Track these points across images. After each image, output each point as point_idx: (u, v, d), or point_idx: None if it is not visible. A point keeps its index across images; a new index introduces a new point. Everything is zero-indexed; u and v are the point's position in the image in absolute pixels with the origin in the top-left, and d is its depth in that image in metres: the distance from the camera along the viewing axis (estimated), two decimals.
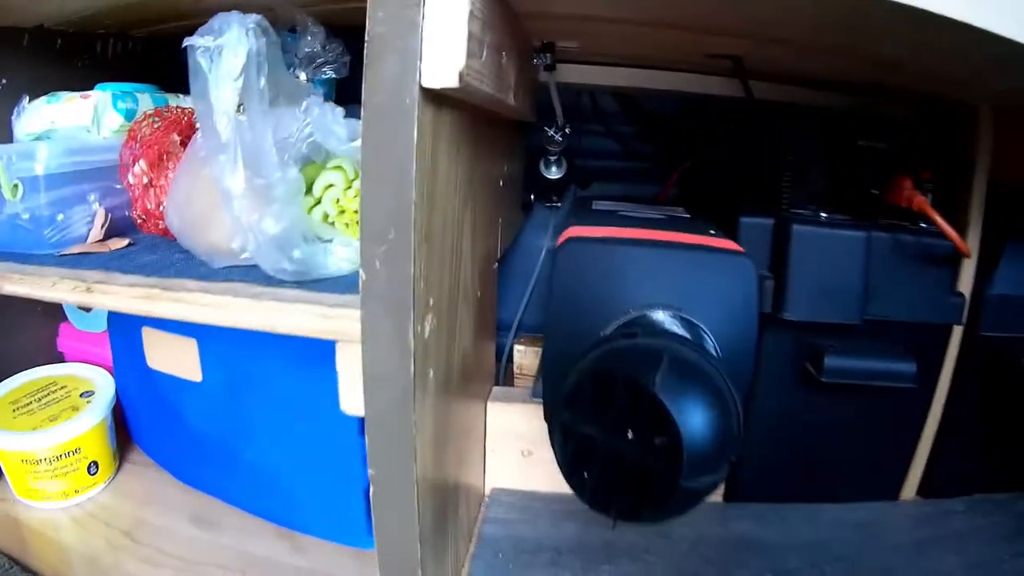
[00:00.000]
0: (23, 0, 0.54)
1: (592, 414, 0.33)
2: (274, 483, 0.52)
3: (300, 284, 0.41)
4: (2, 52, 0.58)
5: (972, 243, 0.53)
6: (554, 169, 0.67)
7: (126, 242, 0.51)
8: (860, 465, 0.57)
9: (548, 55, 0.54)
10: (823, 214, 0.52)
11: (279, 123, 0.41)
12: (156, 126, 0.51)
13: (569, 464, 0.34)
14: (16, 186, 0.49)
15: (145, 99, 0.58)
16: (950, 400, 0.56)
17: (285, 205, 0.39)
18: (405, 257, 0.32)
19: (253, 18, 0.39)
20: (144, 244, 0.52)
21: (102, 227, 0.51)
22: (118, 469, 0.62)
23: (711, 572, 0.49)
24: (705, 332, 0.41)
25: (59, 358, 0.70)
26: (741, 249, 0.44)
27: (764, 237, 0.51)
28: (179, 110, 0.54)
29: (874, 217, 0.53)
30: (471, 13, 0.30)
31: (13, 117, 0.56)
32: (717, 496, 0.57)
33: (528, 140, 0.68)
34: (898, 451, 0.57)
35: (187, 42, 0.37)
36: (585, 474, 0.33)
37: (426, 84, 0.30)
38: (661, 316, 0.41)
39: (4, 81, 0.59)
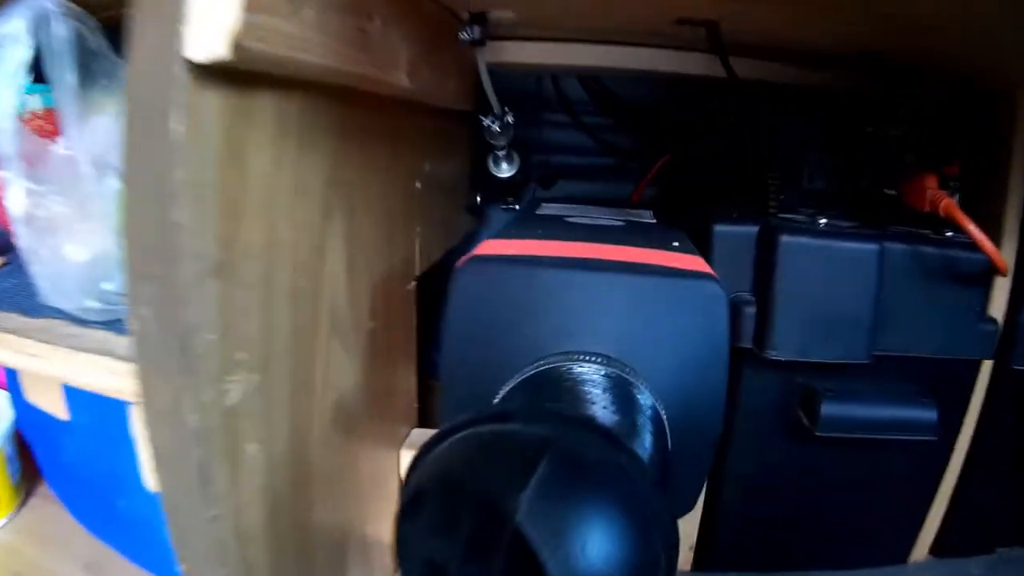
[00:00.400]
0: None
1: (440, 533, 0.22)
2: (150, 534, 0.45)
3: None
4: None
5: (1007, 257, 0.41)
6: (504, 166, 0.56)
7: (1, 261, 0.44)
8: (863, 527, 0.46)
9: (476, 28, 0.44)
10: (822, 220, 0.41)
11: (100, 126, 0.33)
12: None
13: None
14: None
15: (35, 100, 0.51)
16: (974, 447, 0.45)
17: (95, 227, 0.32)
18: (176, 301, 0.23)
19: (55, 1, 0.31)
20: (17, 263, 0.45)
21: None
22: (23, 504, 0.56)
23: None
24: (642, 390, 0.31)
25: None
26: (708, 269, 0.34)
27: (745, 250, 0.40)
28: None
29: (886, 223, 0.42)
30: None
31: None
32: (687, 565, 0.47)
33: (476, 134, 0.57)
34: (911, 509, 0.46)
35: None
36: None
37: (190, 55, 0.21)
38: (583, 369, 0.31)
39: None
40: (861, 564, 0.46)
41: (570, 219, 0.46)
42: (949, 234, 0.40)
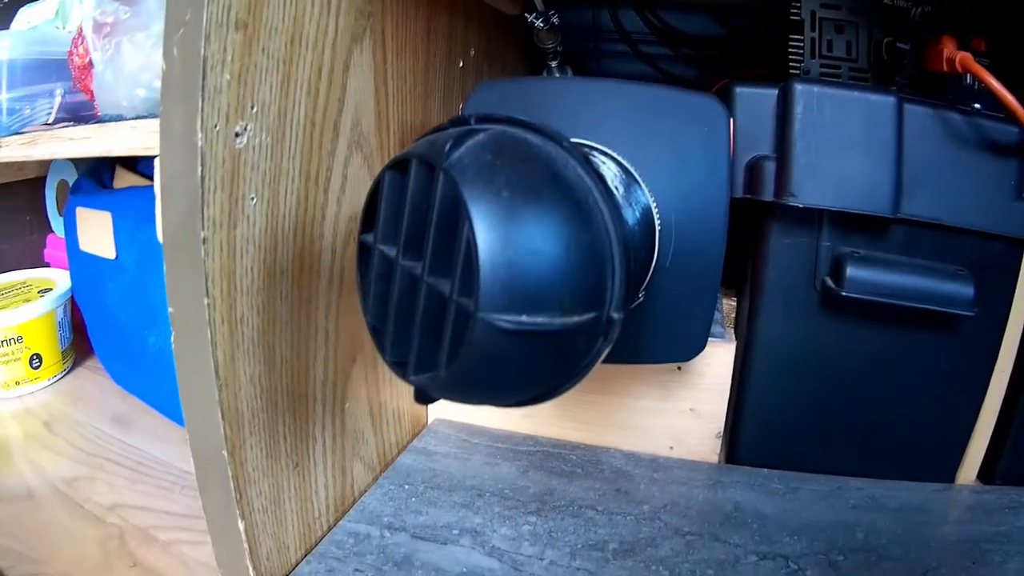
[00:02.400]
0: None
1: (389, 223, 0.23)
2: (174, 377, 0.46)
3: None
4: None
5: None
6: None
7: (68, 123, 0.49)
8: (902, 431, 0.42)
9: None
10: (844, 82, 0.40)
11: None
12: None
13: (367, 299, 0.24)
14: None
15: None
16: (1022, 351, 0.40)
17: (152, 36, 0.35)
18: (200, 37, 0.26)
19: None
20: (85, 123, 0.50)
21: (54, 112, 0.51)
22: (68, 371, 0.61)
23: (669, 546, 0.36)
24: (639, 183, 0.31)
25: (46, 267, 0.71)
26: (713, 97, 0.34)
27: (766, 111, 0.39)
28: None
29: (911, 92, 0.40)
30: None
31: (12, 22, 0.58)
32: (713, 456, 0.44)
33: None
34: (954, 415, 0.41)
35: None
36: (387, 317, 0.23)
37: None
38: (583, 151, 0.31)
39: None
40: (902, 475, 0.42)
41: None
42: (978, 107, 0.38)
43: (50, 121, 0.51)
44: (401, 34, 0.40)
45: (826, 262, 0.39)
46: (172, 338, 0.30)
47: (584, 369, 0.23)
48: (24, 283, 0.62)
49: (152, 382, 0.51)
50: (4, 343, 0.55)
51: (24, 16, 0.56)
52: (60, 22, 0.55)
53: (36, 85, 0.53)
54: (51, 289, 0.60)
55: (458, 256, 0.20)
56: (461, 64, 0.48)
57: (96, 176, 0.54)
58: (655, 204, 0.31)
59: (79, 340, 0.63)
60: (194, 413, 0.31)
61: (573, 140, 0.31)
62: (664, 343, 0.35)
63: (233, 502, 0.32)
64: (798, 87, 0.37)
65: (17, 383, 0.56)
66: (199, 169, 0.27)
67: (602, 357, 0.23)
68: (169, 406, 0.51)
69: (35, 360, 0.56)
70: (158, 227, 0.30)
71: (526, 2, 0.51)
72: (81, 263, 0.55)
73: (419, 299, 0.22)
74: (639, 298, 0.31)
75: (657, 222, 0.31)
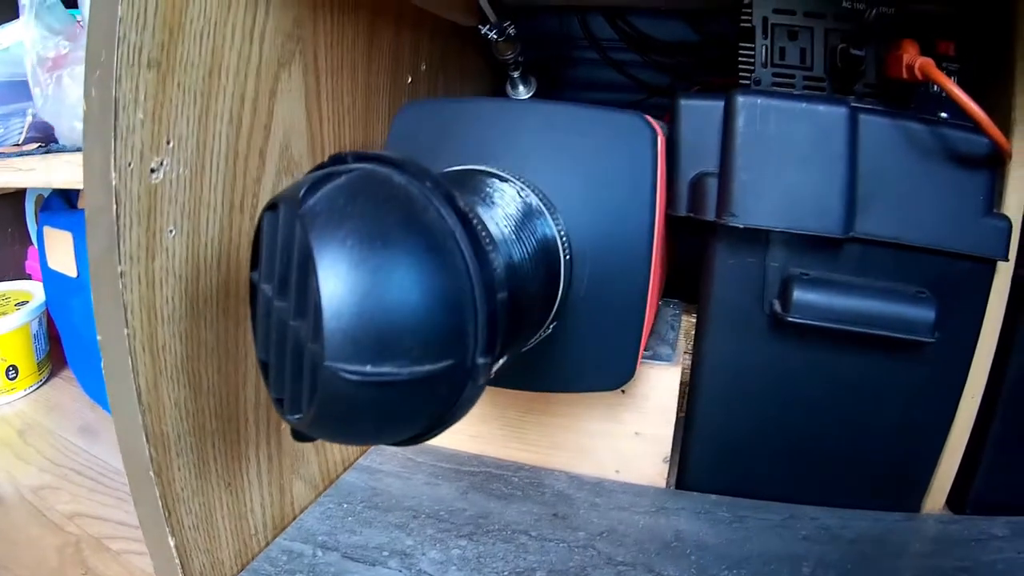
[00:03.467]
0: None
1: (267, 268, 0.24)
2: None
3: None
4: None
5: (1019, 145, 0.38)
6: (521, 89, 0.59)
7: (36, 145, 0.53)
8: (864, 457, 0.42)
9: None
10: (793, 93, 0.41)
11: None
12: None
13: (255, 334, 0.26)
14: None
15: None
16: (995, 374, 0.40)
17: None
18: (113, 79, 0.29)
19: None
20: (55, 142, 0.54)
21: (24, 134, 0.55)
22: (45, 381, 0.66)
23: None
24: (545, 212, 0.33)
25: (27, 279, 0.75)
26: (643, 116, 0.36)
27: (711, 125, 0.39)
28: None
29: (869, 102, 0.40)
30: None
31: None
32: (661, 480, 0.45)
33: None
34: (919, 441, 0.42)
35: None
36: (268, 353, 0.25)
37: None
38: (484, 174, 0.33)
39: None
40: (863, 504, 0.42)
41: None
42: (944, 116, 0.38)
43: (20, 141, 0.55)
44: (336, 55, 0.42)
45: (775, 283, 0.40)
46: (102, 364, 0.33)
47: (456, 412, 0.24)
48: (3, 295, 0.67)
49: None
50: None
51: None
52: None
53: (9, 105, 0.58)
54: (27, 302, 0.64)
55: (311, 303, 0.22)
56: (410, 80, 0.50)
57: (64, 194, 0.58)
58: (563, 233, 0.32)
59: (56, 350, 0.67)
60: (124, 435, 0.34)
61: (460, 169, 0.33)
62: (590, 371, 0.36)
63: (163, 520, 0.35)
64: (740, 99, 0.37)
65: None
66: (114, 207, 0.30)
67: (477, 399, 0.25)
68: None
69: (11, 371, 0.61)
70: None
71: (482, 13, 0.53)
72: (51, 280, 0.58)
73: (288, 342, 0.24)
74: (544, 332, 0.33)
75: (564, 251, 0.32)
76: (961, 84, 0.37)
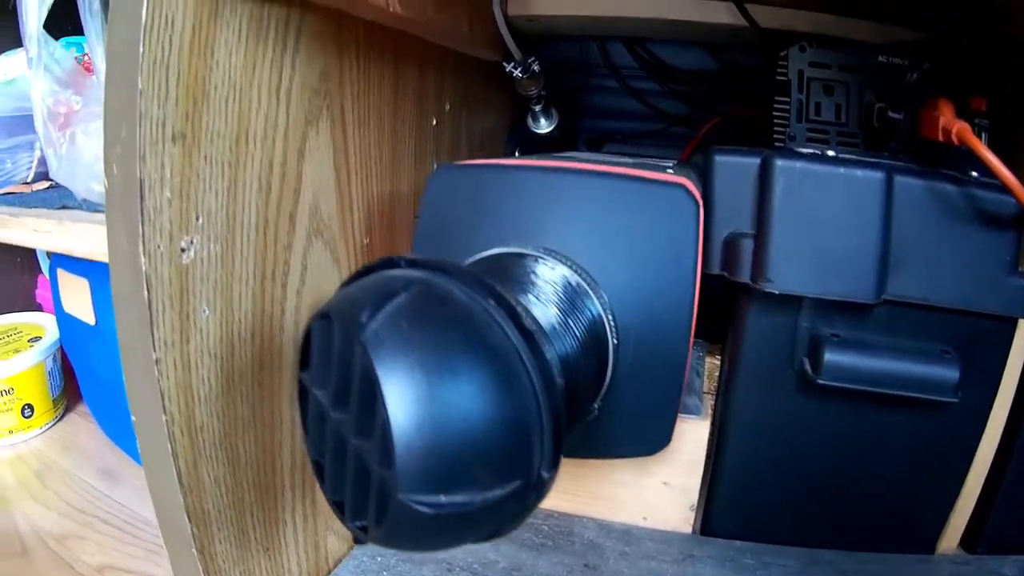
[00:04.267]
0: None
1: (321, 375, 0.23)
2: None
3: None
4: None
5: None
6: (542, 121, 0.58)
7: (47, 184, 0.51)
8: (881, 504, 0.42)
9: None
10: (830, 152, 0.39)
11: None
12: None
13: (308, 434, 0.25)
14: None
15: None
16: (1012, 423, 0.40)
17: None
18: (137, 158, 0.27)
19: None
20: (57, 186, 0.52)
21: (33, 170, 0.53)
22: (60, 418, 0.64)
23: None
24: (590, 291, 0.31)
25: (37, 308, 0.74)
26: (685, 183, 0.34)
27: (746, 183, 0.38)
28: None
29: (903, 159, 0.39)
30: None
31: None
32: (687, 526, 0.45)
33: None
34: (935, 489, 0.42)
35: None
36: (324, 457, 0.24)
37: None
38: (529, 261, 0.31)
39: None
40: (880, 548, 0.42)
41: (580, 157, 0.46)
42: (974, 175, 0.37)
43: (29, 179, 0.53)
44: (363, 104, 0.40)
45: (804, 342, 0.39)
46: (138, 444, 0.32)
47: (519, 521, 0.24)
48: (15, 329, 0.65)
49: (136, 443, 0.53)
50: None
51: (2, 66, 0.57)
52: None
53: (16, 137, 0.55)
54: (41, 337, 0.62)
55: (377, 430, 0.21)
56: (435, 122, 0.48)
57: None
58: (610, 315, 0.31)
59: (70, 385, 0.65)
60: (165, 514, 0.32)
61: (502, 254, 0.31)
62: (626, 440, 0.35)
63: None
64: (779, 163, 0.36)
65: (10, 432, 0.59)
66: (145, 293, 0.28)
67: (538, 505, 0.24)
68: None
69: (27, 410, 0.59)
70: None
71: (505, 48, 0.51)
72: (66, 321, 0.57)
73: (348, 454, 0.23)
74: (592, 412, 0.32)
75: (612, 335, 0.31)
76: (992, 139, 0.36)
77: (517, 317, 0.22)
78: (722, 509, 0.44)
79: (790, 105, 0.40)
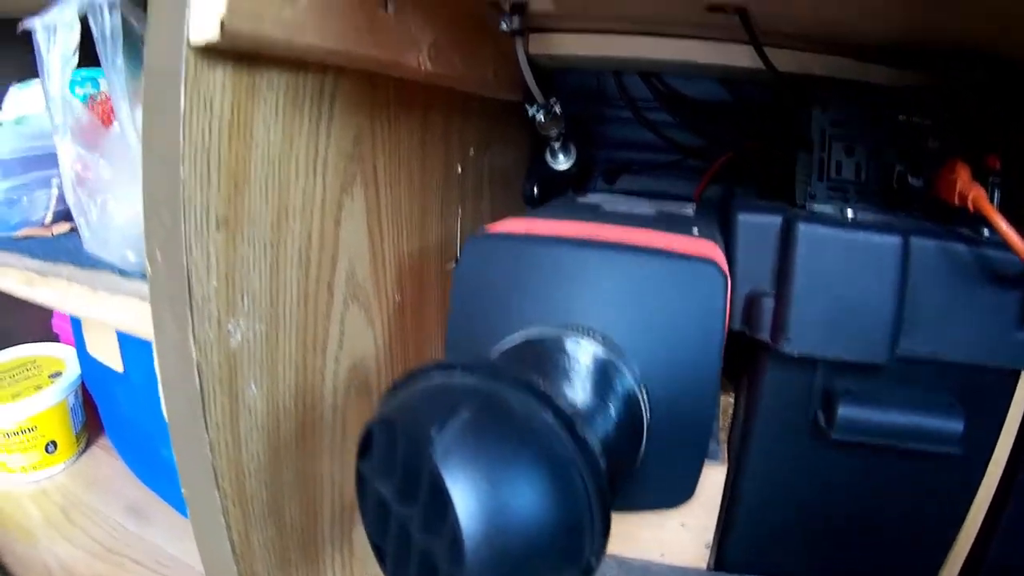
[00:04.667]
0: None
1: (383, 470, 0.25)
2: None
3: None
4: None
5: None
6: (561, 157, 0.58)
7: (68, 227, 0.51)
8: (886, 542, 0.44)
9: (515, 18, 0.47)
10: (849, 211, 0.41)
11: None
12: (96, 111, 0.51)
13: (368, 523, 0.27)
14: None
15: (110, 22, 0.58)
16: (1011, 465, 0.42)
17: (137, 188, 0.36)
18: (181, 247, 0.27)
19: None
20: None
21: (51, 210, 0.53)
22: (83, 451, 0.65)
23: None
24: (621, 369, 0.33)
25: (54, 338, 0.73)
26: (713, 254, 0.35)
27: (768, 241, 0.40)
28: None
29: (918, 217, 0.41)
30: None
31: (2, 103, 0.59)
32: (702, 562, 0.47)
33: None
34: (938, 527, 0.44)
35: (25, 24, 0.36)
36: (386, 542, 0.26)
37: (194, 40, 0.25)
38: (564, 341, 0.33)
39: None
40: None
41: (606, 208, 0.47)
42: (987, 233, 0.39)
43: (48, 220, 0.53)
44: (394, 162, 0.41)
45: (819, 396, 0.41)
46: (189, 514, 0.33)
47: None
48: (33, 362, 0.65)
49: (166, 484, 0.54)
50: (20, 432, 0.58)
51: (14, 98, 0.57)
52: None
53: (31, 173, 0.55)
54: (61, 372, 0.63)
55: (447, 534, 0.22)
56: (460, 169, 0.49)
57: None
58: (644, 389, 0.33)
59: (91, 416, 0.66)
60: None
61: (541, 339, 0.33)
62: (652, 495, 0.37)
63: None
64: (802, 228, 0.38)
65: (34, 467, 0.60)
66: (197, 380, 0.29)
67: None
68: (184, 506, 0.54)
69: (50, 446, 0.60)
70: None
71: (527, 87, 0.51)
72: (90, 363, 0.57)
73: (413, 546, 0.24)
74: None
75: (646, 412, 0.32)
76: (1004, 195, 0.38)
77: (572, 427, 0.24)
78: (736, 546, 0.46)
79: (812, 162, 0.41)
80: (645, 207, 0.47)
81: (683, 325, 0.34)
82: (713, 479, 0.45)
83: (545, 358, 0.31)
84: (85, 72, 0.58)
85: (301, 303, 0.34)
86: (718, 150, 0.60)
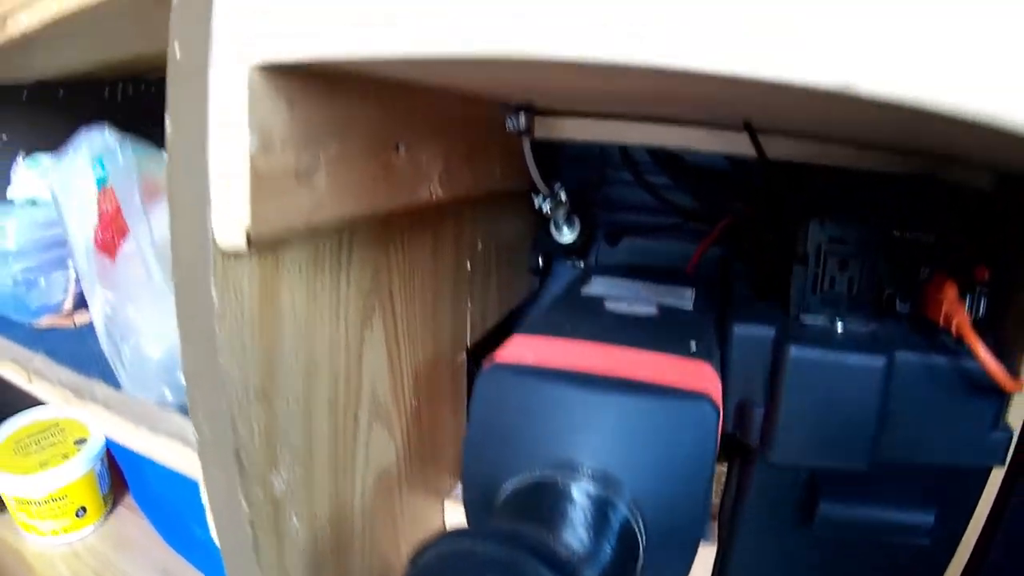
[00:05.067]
0: (17, 59, 0.57)
1: None
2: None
3: None
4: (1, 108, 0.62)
5: None
6: (566, 231, 0.60)
7: (90, 317, 0.53)
8: None
9: (522, 119, 0.49)
10: (839, 324, 0.44)
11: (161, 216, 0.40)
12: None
13: None
14: None
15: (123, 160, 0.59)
16: (978, 550, 0.47)
17: (165, 326, 0.39)
18: (226, 420, 0.30)
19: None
20: None
21: (73, 296, 0.55)
22: (111, 511, 0.68)
23: None
24: (618, 506, 0.36)
25: None
26: (708, 384, 0.38)
27: (761, 352, 0.43)
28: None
29: (906, 327, 0.44)
30: (266, 146, 0.27)
31: (12, 174, 0.60)
32: None
33: None
34: None
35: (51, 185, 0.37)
36: None
37: (220, 246, 0.28)
38: (568, 486, 0.36)
39: (4, 137, 0.63)
40: None
41: (608, 303, 0.50)
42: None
43: (68, 307, 0.55)
44: (408, 282, 0.43)
45: (802, 493, 0.44)
46: None
47: None
48: (56, 426, 0.67)
49: (200, 557, 0.57)
50: (50, 500, 0.61)
51: (23, 176, 0.58)
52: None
53: (47, 254, 0.57)
54: (86, 440, 0.65)
55: None
56: (469, 266, 0.51)
57: None
58: (639, 518, 0.36)
59: (115, 472, 0.68)
60: None
61: (550, 483, 0.36)
62: None
63: None
64: (793, 352, 0.41)
65: (65, 531, 0.63)
66: (249, 529, 0.32)
67: None
68: (216, 572, 0.56)
69: (81, 512, 0.63)
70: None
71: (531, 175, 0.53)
72: (121, 449, 0.60)
73: None
74: None
75: (642, 540, 0.36)
76: (990, 305, 0.41)
77: None
78: None
79: (807, 275, 0.44)
80: (646, 303, 0.50)
81: (676, 455, 0.37)
82: (703, 558, 0.49)
83: (553, 506, 0.35)
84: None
85: (331, 439, 0.37)
86: (717, 213, 0.63)
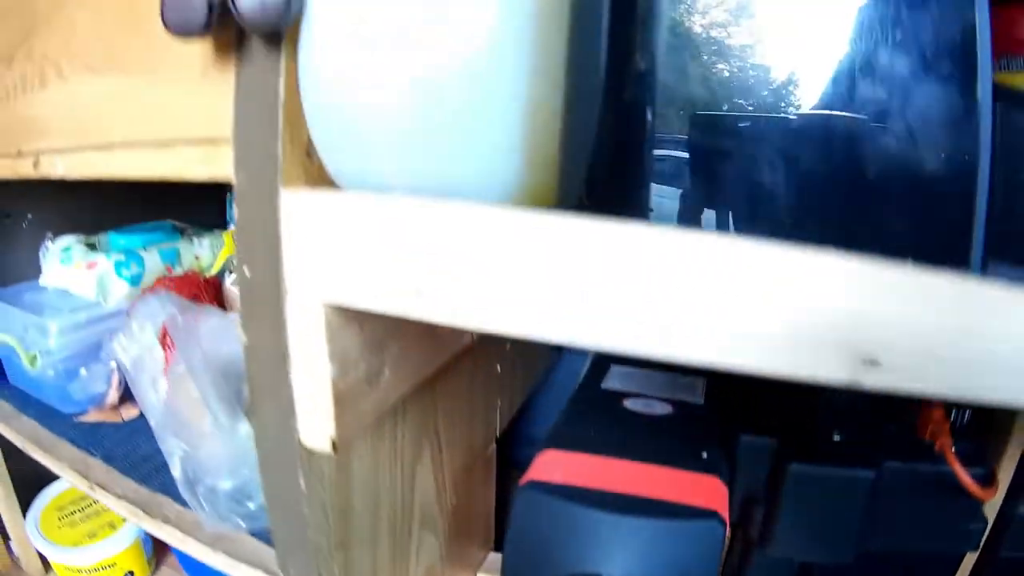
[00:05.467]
0: None
1: None
2: None
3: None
4: (25, 189, 0.63)
5: (1009, 466, 0.49)
6: None
7: (137, 411, 0.56)
8: None
9: None
10: (836, 436, 0.49)
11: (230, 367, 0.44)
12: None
13: None
14: (34, 358, 0.55)
15: (152, 257, 0.62)
16: None
17: (234, 461, 0.43)
18: (313, 568, 0.35)
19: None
20: None
21: (117, 388, 0.57)
22: (155, 571, 0.72)
23: None
24: None
25: None
26: (715, 500, 0.44)
27: (764, 458, 0.49)
28: (191, 274, 0.58)
29: (897, 437, 0.49)
30: (344, 370, 0.31)
31: (40, 254, 0.62)
32: None
33: None
34: None
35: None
36: None
37: (307, 446, 0.32)
38: None
39: (29, 217, 0.64)
40: None
41: (627, 403, 0.55)
42: (954, 450, 0.48)
43: (114, 399, 0.57)
44: (449, 404, 0.47)
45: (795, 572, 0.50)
46: None
47: None
48: None
49: None
50: (100, 569, 0.65)
51: (58, 273, 0.59)
52: (101, 298, 0.59)
53: (82, 343, 0.59)
54: None
55: None
56: (499, 368, 0.54)
57: None
58: None
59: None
60: None
61: None
62: None
63: None
64: (793, 469, 0.46)
65: None
66: None
67: None
68: None
69: (129, 575, 0.68)
70: None
71: None
72: None
73: None
74: None
75: None
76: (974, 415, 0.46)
77: None
78: None
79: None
80: (661, 403, 0.55)
81: (689, 565, 0.43)
82: None
83: None
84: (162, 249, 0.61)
85: (391, 556, 0.42)
86: None
